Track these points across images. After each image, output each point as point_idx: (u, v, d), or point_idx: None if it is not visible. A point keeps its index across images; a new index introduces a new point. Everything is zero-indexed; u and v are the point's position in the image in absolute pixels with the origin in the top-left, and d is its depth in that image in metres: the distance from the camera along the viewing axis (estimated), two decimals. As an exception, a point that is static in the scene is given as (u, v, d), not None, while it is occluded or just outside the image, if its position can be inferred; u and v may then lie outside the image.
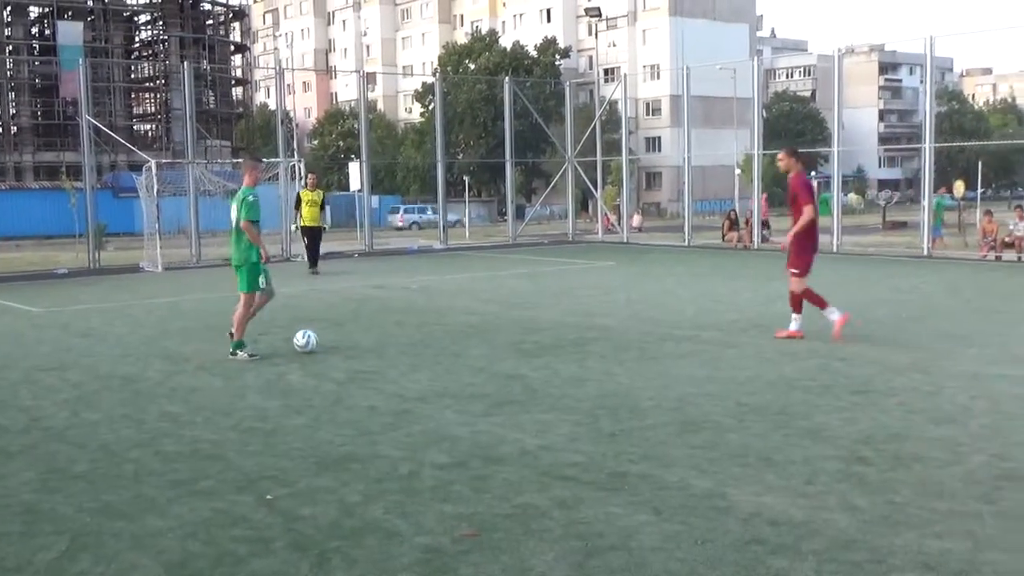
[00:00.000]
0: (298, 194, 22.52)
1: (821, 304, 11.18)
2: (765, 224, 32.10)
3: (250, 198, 10.62)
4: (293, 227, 23.61)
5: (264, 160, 11.18)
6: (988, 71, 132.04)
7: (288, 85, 61.15)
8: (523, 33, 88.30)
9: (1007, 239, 24.23)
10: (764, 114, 33.71)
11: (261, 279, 10.80)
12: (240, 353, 10.50)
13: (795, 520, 5.16)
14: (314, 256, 22.05)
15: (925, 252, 24.28)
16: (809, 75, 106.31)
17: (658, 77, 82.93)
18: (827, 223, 29.62)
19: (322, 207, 22.57)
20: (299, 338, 10.77)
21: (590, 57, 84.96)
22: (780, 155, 11.52)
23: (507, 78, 35.72)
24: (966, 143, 61.38)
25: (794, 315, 11.30)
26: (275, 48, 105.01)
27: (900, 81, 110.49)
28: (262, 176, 11.05)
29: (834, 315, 11.03)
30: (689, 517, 5.23)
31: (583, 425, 7.32)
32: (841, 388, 8.53)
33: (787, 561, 4.60)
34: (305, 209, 21.97)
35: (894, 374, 9.14)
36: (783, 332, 11.30)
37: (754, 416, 7.53)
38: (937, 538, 4.87)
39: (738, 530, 5.02)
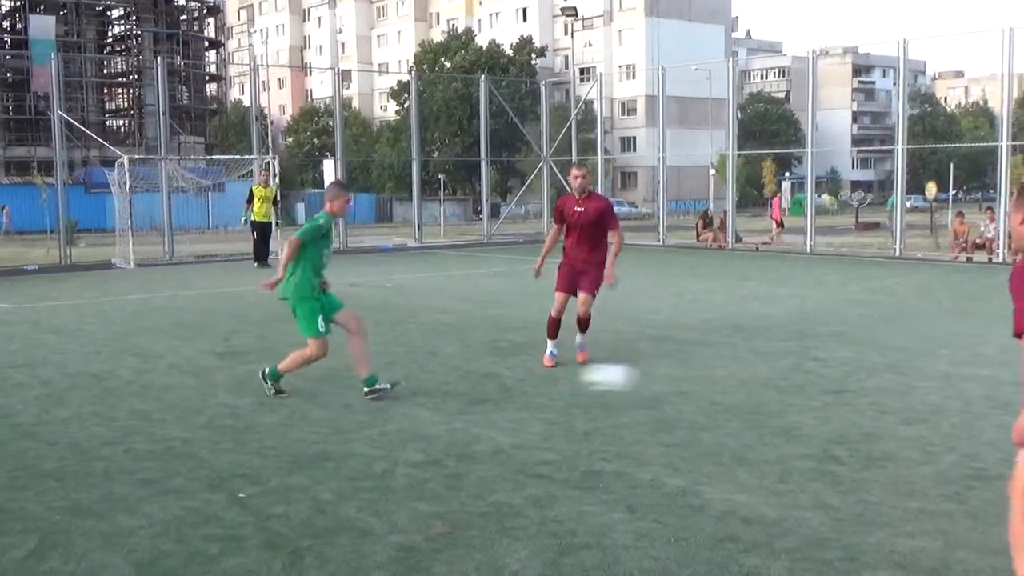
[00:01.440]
0: (251, 190, 23.24)
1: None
2: (781, 224, 32.31)
3: (320, 221, 8.40)
4: (243, 220, 24.29)
5: (344, 187, 8.86)
6: (960, 74, 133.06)
7: (263, 82, 60.86)
8: (499, 32, 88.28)
9: (978, 240, 24.43)
10: (739, 115, 33.84)
11: (320, 321, 8.29)
12: (269, 383, 8.51)
13: (768, 518, 5.17)
14: (263, 251, 23.00)
15: (897, 253, 24.46)
16: (783, 76, 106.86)
17: (633, 77, 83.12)
18: (801, 224, 29.82)
19: (275, 203, 23.59)
20: (605, 378, 8.69)
21: (566, 56, 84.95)
22: (583, 171, 9.91)
23: (483, 76, 35.68)
24: (938, 145, 61.84)
25: (580, 335, 10.00)
26: (250, 44, 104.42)
27: (873, 83, 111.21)
28: (345, 209, 8.69)
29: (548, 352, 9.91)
30: (663, 515, 5.24)
31: (557, 424, 7.32)
32: (815, 388, 8.57)
33: (760, 559, 4.61)
34: (257, 205, 22.80)
35: (867, 374, 9.20)
36: (583, 355, 9.95)
37: (728, 415, 7.56)
38: (909, 537, 4.90)
39: (711, 528, 5.03)
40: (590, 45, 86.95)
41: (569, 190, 10.85)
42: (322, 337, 8.30)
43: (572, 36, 64.06)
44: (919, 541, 4.84)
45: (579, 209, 9.72)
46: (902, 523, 5.11)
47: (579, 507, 5.38)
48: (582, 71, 78.74)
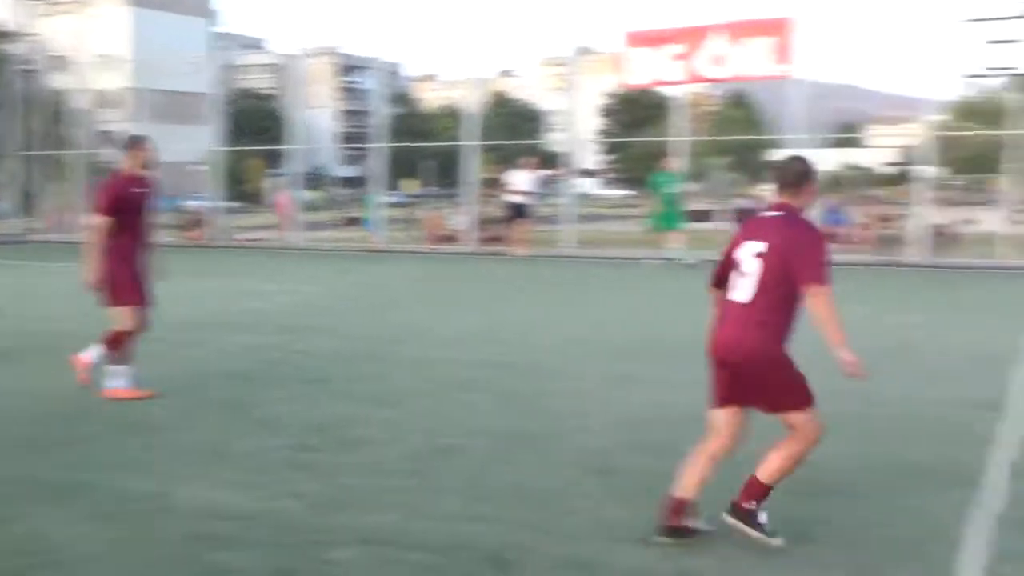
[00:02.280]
0: None
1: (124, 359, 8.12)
2: (288, 220, 31.29)
3: None
4: None
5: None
6: (435, 77, 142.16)
7: None
8: (-44, 12, 79.81)
9: (447, 232, 26.39)
10: (226, 110, 33.61)
11: None
12: None
13: (244, 511, 5.24)
14: None
15: (381, 246, 25.67)
16: (272, 73, 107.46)
17: (114, 68, 79.08)
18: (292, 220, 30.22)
19: None
20: None
21: (38, 43, 78.81)
22: (149, 145, 8.28)
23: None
24: (415, 144, 65.53)
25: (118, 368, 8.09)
26: None
27: (358, 83, 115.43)
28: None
29: (119, 382, 7.99)
30: (135, 522, 5.09)
31: (19, 437, 6.82)
32: (297, 379, 8.76)
33: (232, 553, 4.67)
34: None
35: (348, 363, 9.61)
36: (120, 391, 7.96)
37: (206, 412, 7.50)
38: (374, 513, 5.22)
39: (183, 528, 4.99)
40: (63, 32, 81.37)
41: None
42: None
43: (42, 22, 59.61)
44: (382, 516, 5.17)
45: (142, 191, 8.09)
46: (370, 501, 5.43)
47: (39, 523, 5.06)
48: (56, 60, 73.55)
